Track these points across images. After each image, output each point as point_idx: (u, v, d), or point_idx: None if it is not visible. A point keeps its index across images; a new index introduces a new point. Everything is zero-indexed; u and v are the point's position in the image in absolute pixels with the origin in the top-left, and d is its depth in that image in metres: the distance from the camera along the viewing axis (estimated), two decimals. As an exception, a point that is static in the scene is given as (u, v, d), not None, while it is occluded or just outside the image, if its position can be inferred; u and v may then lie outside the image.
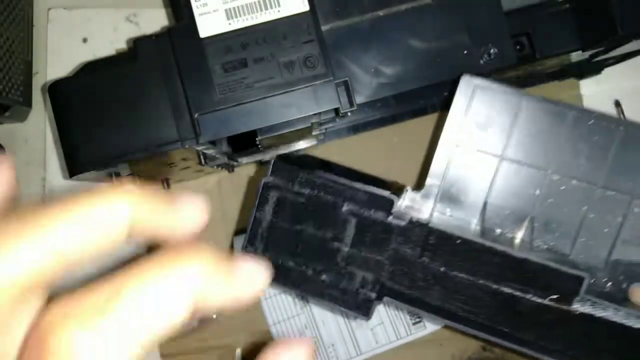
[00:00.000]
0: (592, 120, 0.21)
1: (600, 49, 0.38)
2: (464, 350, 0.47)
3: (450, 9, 0.33)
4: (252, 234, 0.26)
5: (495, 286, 0.21)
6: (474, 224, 0.22)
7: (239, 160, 0.44)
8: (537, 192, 0.22)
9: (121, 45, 0.50)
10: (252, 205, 0.24)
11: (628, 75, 0.50)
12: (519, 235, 0.22)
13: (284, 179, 0.25)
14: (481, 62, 0.33)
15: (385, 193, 0.22)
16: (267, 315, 0.48)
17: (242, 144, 0.34)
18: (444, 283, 0.22)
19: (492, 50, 0.33)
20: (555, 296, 0.20)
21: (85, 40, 0.50)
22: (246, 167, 0.49)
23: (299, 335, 0.47)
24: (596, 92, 0.50)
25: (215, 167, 0.42)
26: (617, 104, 0.50)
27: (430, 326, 0.47)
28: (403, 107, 0.48)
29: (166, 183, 0.45)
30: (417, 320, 0.47)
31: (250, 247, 0.26)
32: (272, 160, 0.26)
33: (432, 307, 0.22)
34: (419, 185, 0.23)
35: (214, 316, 0.47)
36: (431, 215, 0.22)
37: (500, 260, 0.21)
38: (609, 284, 0.20)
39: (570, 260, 0.20)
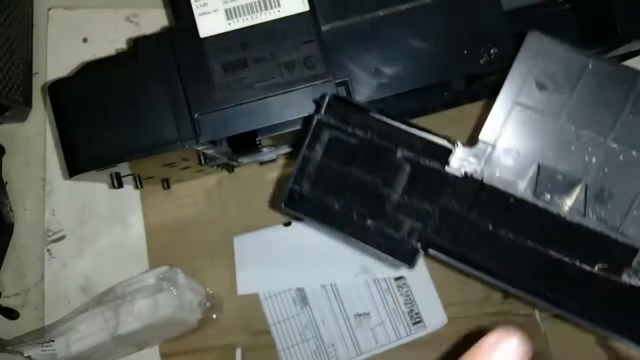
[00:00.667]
0: None
1: (601, 48, 0.38)
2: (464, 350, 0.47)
3: (450, 9, 0.33)
4: (300, 172, 0.24)
5: (543, 249, 0.21)
6: (524, 186, 0.21)
7: (239, 160, 0.44)
8: (594, 159, 0.21)
9: (121, 45, 0.50)
10: (302, 143, 0.23)
11: (628, 75, 0.50)
12: (569, 203, 0.21)
13: (338, 119, 0.23)
14: (481, 62, 0.33)
15: (443, 142, 0.22)
16: (267, 315, 0.48)
17: (242, 144, 0.34)
18: (490, 241, 0.22)
19: (492, 50, 0.33)
20: (605, 265, 0.21)
21: (85, 40, 0.50)
22: (246, 167, 0.49)
23: (299, 335, 0.47)
24: (596, 92, 0.50)
25: (215, 167, 0.42)
26: (617, 104, 0.50)
27: (430, 326, 0.47)
28: (403, 107, 0.47)
29: (166, 183, 0.46)
30: (417, 320, 0.47)
31: (296, 186, 0.24)
32: (327, 98, 0.24)
33: (476, 264, 0.22)
34: (470, 141, 0.23)
35: (214, 316, 0.47)
36: (482, 172, 0.22)
37: (551, 224, 0.21)
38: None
39: (620, 233, 0.20)
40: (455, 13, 0.33)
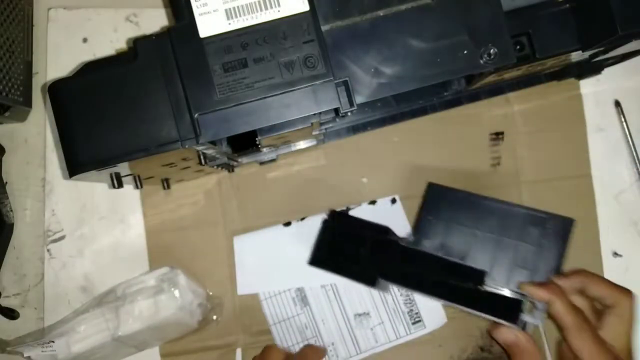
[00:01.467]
0: (484, 204, 0.44)
1: (600, 49, 0.38)
2: (462, 350, 0.47)
3: (450, 9, 0.33)
4: (319, 246, 0.45)
5: (442, 278, 0.41)
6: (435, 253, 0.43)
7: (239, 160, 0.44)
8: (466, 241, 0.43)
9: (121, 45, 0.50)
10: (317, 234, 0.46)
11: (628, 75, 0.50)
12: (458, 259, 0.43)
13: (335, 219, 0.45)
14: (481, 61, 0.33)
15: (385, 226, 0.44)
16: (267, 315, 0.48)
17: (242, 144, 0.34)
18: (414, 274, 0.42)
19: (492, 50, 0.33)
20: (474, 281, 0.41)
21: (85, 40, 0.50)
22: (246, 167, 0.49)
23: (299, 335, 0.47)
24: (596, 92, 0.50)
25: (215, 167, 0.42)
26: (617, 103, 0.50)
27: (429, 326, 0.47)
28: (403, 107, 0.48)
29: (166, 183, 0.46)
30: (417, 319, 0.47)
31: (318, 253, 0.45)
32: (330, 212, 0.46)
33: (407, 285, 0.43)
34: (413, 230, 0.45)
35: (214, 317, 0.47)
36: (412, 244, 0.44)
37: (445, 265, 0.42)
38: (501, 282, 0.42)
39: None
40: (455, 13, 0.33)
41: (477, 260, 0.42)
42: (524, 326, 0.40)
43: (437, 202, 0.43)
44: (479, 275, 0.40)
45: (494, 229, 0.42)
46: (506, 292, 0.40)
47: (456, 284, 0.40)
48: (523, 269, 0.41)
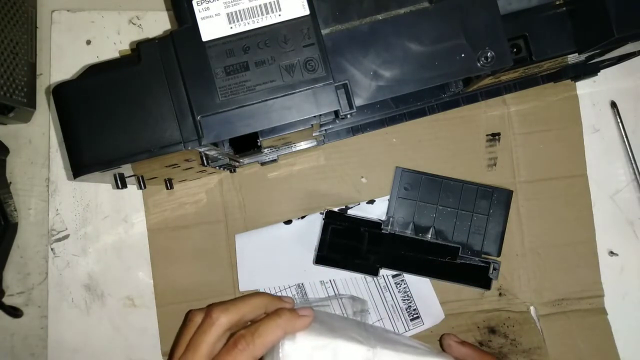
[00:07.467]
0: (444, 183, 0.49)
1: (597, 51, 0.39)
2: (461, 347, 0.48)
3: (448, 13, 0.34)
4: (321, 246, 0.48)
5: (424, 256, 0.48)
6: (410, 231, 0.49)
7: (241, 160, 0.45)
8: (434, 215, 0.49)
9: (124, 47, 0.50)
10: (320, 234, 0.49)
11: (624, 76, 0.50)
12: (429, 235, 0.49)
13: (332, 219, 0.48)
14: (478, 64, 0.34)
15: (378, 221, 0.49)
16: (268, 313, 0.48)
17: (244, 145, 0.35)
18: (403, 257, 0.48)
19: (489, 54, 0.34)
20: (449, 257, 0.48)
21: (88, 42, 0.50)
22: (248, 167, 0.49)
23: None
24: (592, 93, 0.50)
25: (217, 167, 0.43)
26: (613, 104, 0.50)
27: (427, 322, 0.48)
28: (401, 108, 0.48)
29: (169, 183, 0.46)
30: (415, 316, 0.48)
31: (320, 252, 0.48)
32: (326, 211, 0.48)
33: (399, 268, 0.48)
34: (387, 210, 0.50)
35: None
36: (393, 230, 0.49)
37: (424, 245, 0.48)
38: (468, 253, 0.48)
39: (452, 242, 0.48)
40: (453, 17, 0.34)
41: (442, 231, 0.48)
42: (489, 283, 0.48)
43: (406, 183, 0.48)
44: (455, 251, 0.47)
45: (453, 204, 0.48)
46: (475, 261, 0.47)
47: (438, 261, 0.47)
48: (478, 234, 0.48)
